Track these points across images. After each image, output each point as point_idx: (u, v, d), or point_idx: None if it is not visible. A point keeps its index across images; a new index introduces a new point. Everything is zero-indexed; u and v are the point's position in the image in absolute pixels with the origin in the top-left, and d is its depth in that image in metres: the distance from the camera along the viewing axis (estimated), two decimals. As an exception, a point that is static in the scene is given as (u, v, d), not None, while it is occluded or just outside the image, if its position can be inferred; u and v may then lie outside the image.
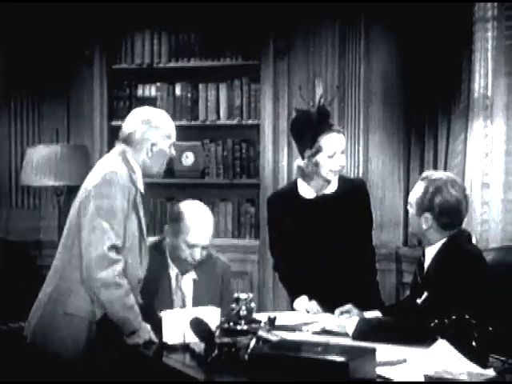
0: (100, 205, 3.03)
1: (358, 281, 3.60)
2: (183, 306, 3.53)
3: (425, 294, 3.11)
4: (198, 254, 3.49)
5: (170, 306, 3.44)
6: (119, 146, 3.21)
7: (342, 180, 3.71)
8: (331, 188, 3.69)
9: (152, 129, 3.18)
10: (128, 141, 3.19)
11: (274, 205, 3.80)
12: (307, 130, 3.61)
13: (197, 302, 3.48)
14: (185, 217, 3.50)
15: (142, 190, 3.22)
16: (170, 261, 3.56)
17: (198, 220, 3.50)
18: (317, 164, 3.60)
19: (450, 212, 3.12)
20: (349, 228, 3.65)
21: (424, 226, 3.16)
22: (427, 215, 3.14)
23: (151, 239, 3.48)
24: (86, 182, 3.16)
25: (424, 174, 3.25)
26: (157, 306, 3.33)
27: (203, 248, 3.51)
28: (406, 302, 3.39)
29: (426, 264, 3.20)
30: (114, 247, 3.03)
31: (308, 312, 3.53)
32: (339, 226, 3.64)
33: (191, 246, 3.48)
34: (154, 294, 3.48)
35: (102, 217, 3.02)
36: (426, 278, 3.18)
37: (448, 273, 3.03)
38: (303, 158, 3.65)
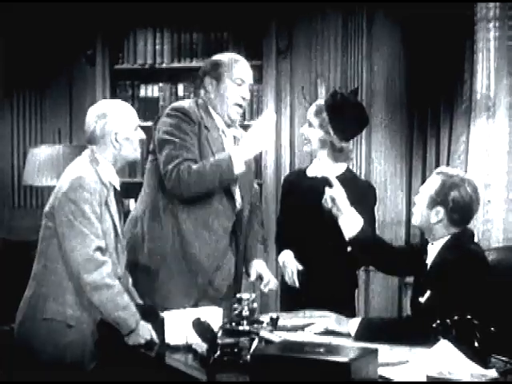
0: (72, 211, 3.03)
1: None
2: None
3: (428, 293, 3.10)
4: (247, 93, 3.56)
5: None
6: (86, 150, 3.21)
7: (351, 177, 3.76)
8: (338, 170, 3.72)
9: (109, 120, 3.17)
10: (92, 140, 3.19)
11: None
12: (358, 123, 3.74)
13: None
14: (223, 59, 3.57)
15: (118, 187, 3.22)
16: (214, 114, 3.57)
17: (237, 58, 3.60)
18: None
19: (462, 209, 3.12)
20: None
21: (433, 220, 3.15)
22: (439, 209, 3.13)
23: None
24: (56, 188, 3.15)
25: (439, 169, 3.24)
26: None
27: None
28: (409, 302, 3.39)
29: (429, 262, 3.19)
30: (98, 248, 3.04)
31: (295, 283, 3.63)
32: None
33: (240, 84, 3.53)
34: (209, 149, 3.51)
35: (77, 222, 3.02)
36: (428, 277, 3.18)
37: (450, 271, 3.03)
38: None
